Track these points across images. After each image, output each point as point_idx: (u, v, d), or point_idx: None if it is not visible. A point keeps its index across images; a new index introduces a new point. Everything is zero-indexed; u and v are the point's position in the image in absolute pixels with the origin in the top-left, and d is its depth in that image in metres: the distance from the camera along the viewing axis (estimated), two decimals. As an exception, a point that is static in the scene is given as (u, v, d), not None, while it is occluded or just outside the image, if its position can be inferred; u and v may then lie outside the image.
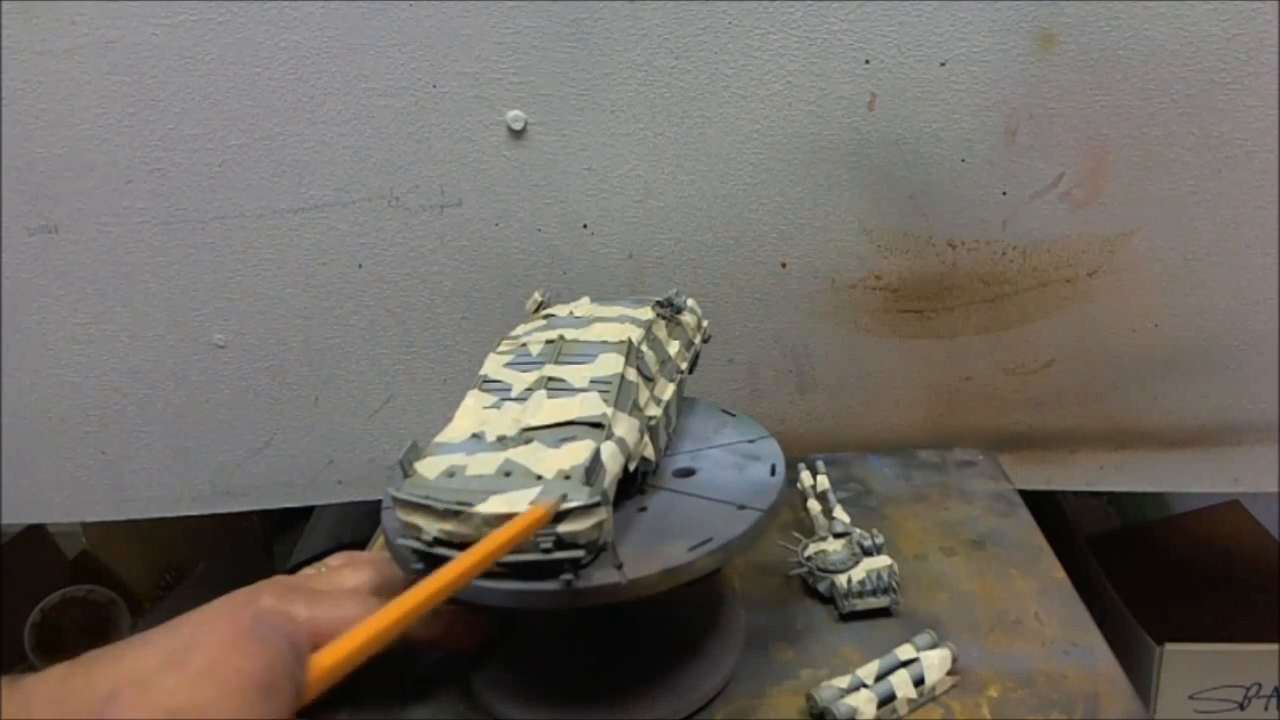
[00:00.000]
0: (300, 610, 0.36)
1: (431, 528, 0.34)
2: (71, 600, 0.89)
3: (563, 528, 0.32)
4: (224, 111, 0.55)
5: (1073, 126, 0.53)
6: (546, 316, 0.46)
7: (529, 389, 0.39)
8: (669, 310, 0.46)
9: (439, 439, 0.37)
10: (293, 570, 0.90)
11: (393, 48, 0.53)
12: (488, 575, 0.33)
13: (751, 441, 0.44)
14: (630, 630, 0.43)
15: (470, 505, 0.33)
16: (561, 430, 0.36)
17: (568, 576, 0.33)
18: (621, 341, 0.41)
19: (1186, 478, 0.63)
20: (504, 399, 0.38)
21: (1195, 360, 0.59)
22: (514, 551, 0.33)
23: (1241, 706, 0.63)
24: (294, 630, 0.23)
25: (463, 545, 0.33)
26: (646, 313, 0.45)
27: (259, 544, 1.03)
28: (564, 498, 0.33)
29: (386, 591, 0.42)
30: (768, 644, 0.44)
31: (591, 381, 0.39)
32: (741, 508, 0.38)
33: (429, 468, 0.35)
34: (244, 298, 0.60)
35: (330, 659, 0.24)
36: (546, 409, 0.37)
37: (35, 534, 0.92)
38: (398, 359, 0.61)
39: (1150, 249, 0.56)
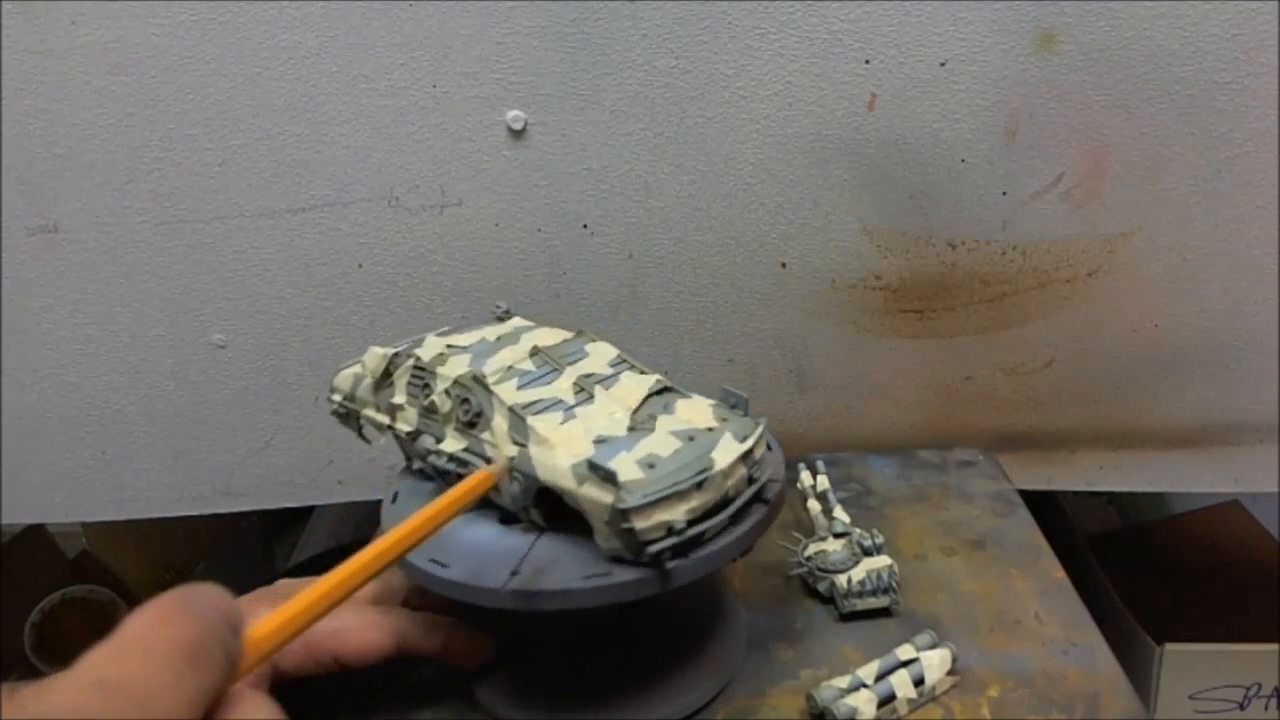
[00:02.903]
0: None
1: (680, 512, 0.34)
2: (71, 600, 0.88)
3: (759, 451, 0.37)
4: (224, 111, 0.55)
5: (1073, 126, 0.53)
6: (450, 347, 0.42)
7: (579, 392, 0.39)
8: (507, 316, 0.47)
9: (571, 464, 0.35)
10: (291, 571, 0.90)
11: (393, 48, 0.53)
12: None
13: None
14: (631, 631, 0.43)
15: (710, 468, 0.35)
16: (650, 404, 0.39)
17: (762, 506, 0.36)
18: (581, 333, 0.43)
19: (1186, 478, 0.63)
20: (567, 410, 0.38)
21: (1195, 360, 0.59)
22: (734, 493, 0.36)
23: (1241, 706, 0.63)
24: (227, 603, 0.23)
25: (713, 512, 0.35)
26: (518, 320, 0.47)
27: (259, 544, 1.03)
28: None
29: (388, 599, 0.42)
30: (768, 644, 0.44)
31: (611, 365, 0.41)
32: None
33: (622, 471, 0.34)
34: (244, 298, 0.60)
35: (266, 629, 0.24)
36: (625, 393, 0.39)
37: (35, 534, 0.92)
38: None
39: (1150, 249, 0.56)
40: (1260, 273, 0.56)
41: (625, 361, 0.41)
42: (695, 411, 0.39)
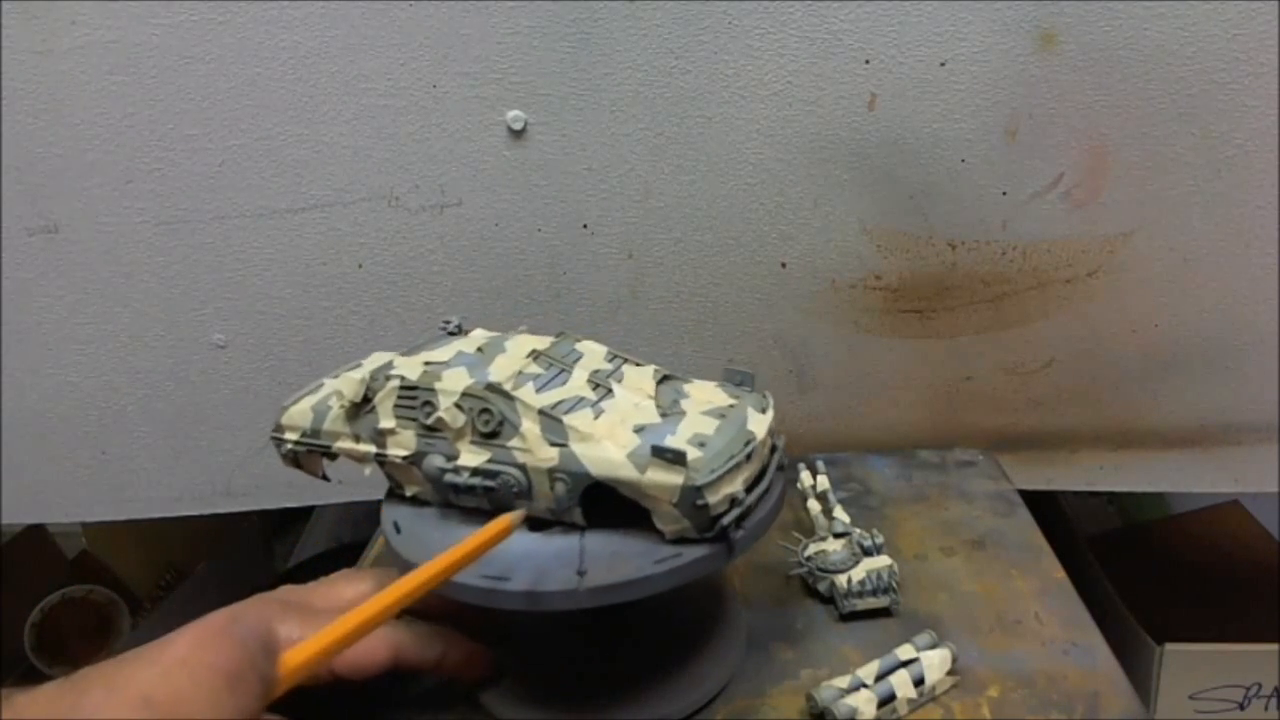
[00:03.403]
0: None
1: (739, 483, 0.36)
2: (71, 600, 0.89)
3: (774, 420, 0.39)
4: (224, 111, 0.55)
5: (1073, 126, 0.53)
6: (429, 364, 0.41)
7: (596, 388, 0.39)
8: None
9: (627, 454, 0.36)
10: (291, 570, 0.90)
11: (393, 48, 0.53)
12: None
13: None
14: (631, 630, 0.43)
15: (753, 439, 0.37)
16: (663, 392, 0.40)
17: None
18: (564, 335, 0.43)
19: (1186, 478, 0.63)
20: (595, 405, 0.38)
21: (1195, 360, 0.59)
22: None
23: (1241, 706, 0.63)
24: (266, 630, 0.24)
25: (759, 480, 0.37)
26: (481, 331, 0.45)
27: (259, 544, 1.03)
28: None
29: None
30: (768, 644, 0.44)
31: (609, 360, 0.42)
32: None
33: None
34: (244, 298, 0.60)
35: (299, 657, 0.25)
36: (637, 383, 0.40)
37: (35, 534, 0.92)
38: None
39: (1150, 249, 0.56)
40: (1260, 273, 0.56)
41: (618, 356, 0.42)
42: (708, 392, 0.41)
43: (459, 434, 0.38)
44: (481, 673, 0.41)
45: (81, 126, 0.55)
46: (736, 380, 0.42)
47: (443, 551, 0.35)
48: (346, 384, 0.40)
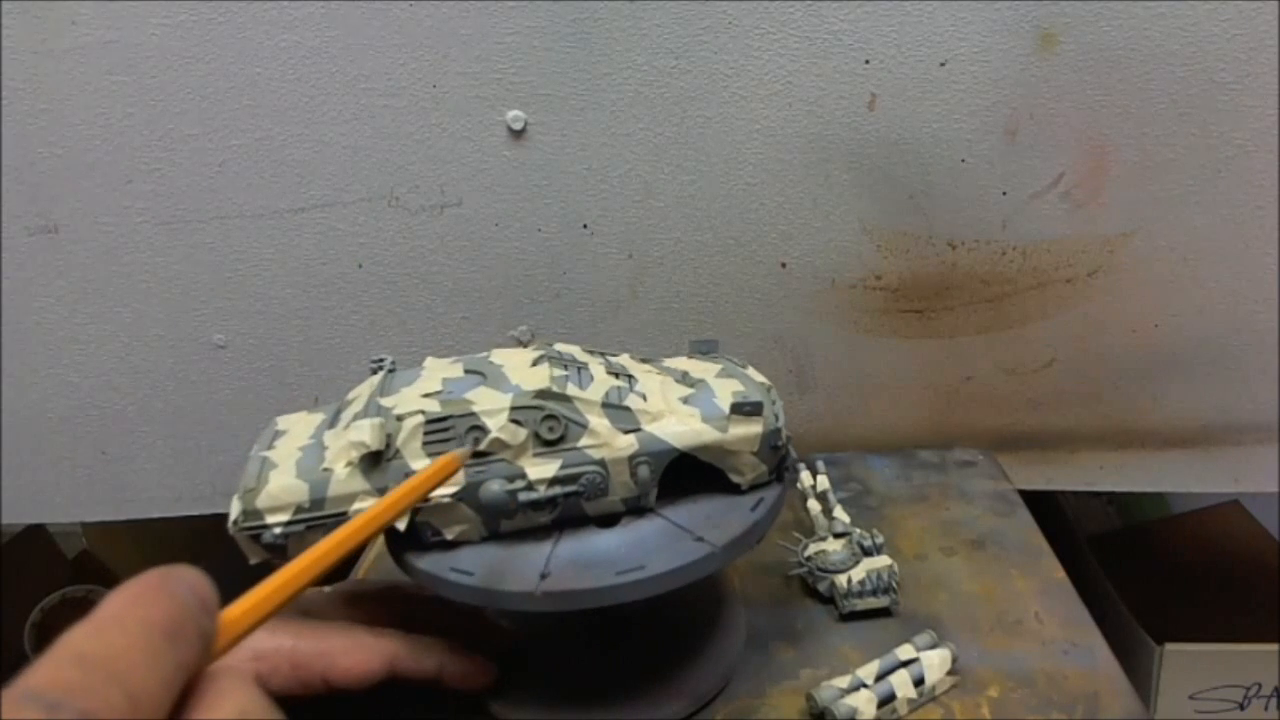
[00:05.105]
0: (284, 640, 0.36)
1: (784, 423, 0.40)
2: (71, 600, 0.88)
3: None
4: (224, 111, 0.55)
5: (1073, 126, 0.53)
6: (428, 395, 0.38)
7: (618, 376, 0.40)
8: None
9: (704, 416, 0.38)
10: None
11: (393, 48, 0.53)
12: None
13: None
14: (631, 630, 0.43)
15: (771, 387, 0.41)
16: (665, 373, 0.43)
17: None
18: (548, 344, 0.44)
19: (1186, 478, 0.63)
20: (633, 391, 0.39)
21: (1195, 360, 0.59)
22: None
23: (1241, 706, 0.63)
24: (202, 584, 0.24)
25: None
26: (430, 359, 0.44)
27: (259, 544, 1.03)
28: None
29: (386, 623, 0.39)
30: (768, 644, 0.44)
31: (590, 353, 0.43)
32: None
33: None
34: (244, 298, 0.60)
35: (238, 610, 0.25)
36: (641, 367, 0.42)
37: (35, 534, 0.92)
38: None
39: (1150, 249, 0.56)
40: (1260, 273, 0.56)
41: (594, 351, 0.43)
42: (695, 363, 0.44)
43: (519, 450, 0.36)
44: (484, 683, 0.40)
45: (81, 126, 0.55)
46: (703, 350, 0.45)
47: (537, 576, 0.35)
48: (368, 432, 0.36)
